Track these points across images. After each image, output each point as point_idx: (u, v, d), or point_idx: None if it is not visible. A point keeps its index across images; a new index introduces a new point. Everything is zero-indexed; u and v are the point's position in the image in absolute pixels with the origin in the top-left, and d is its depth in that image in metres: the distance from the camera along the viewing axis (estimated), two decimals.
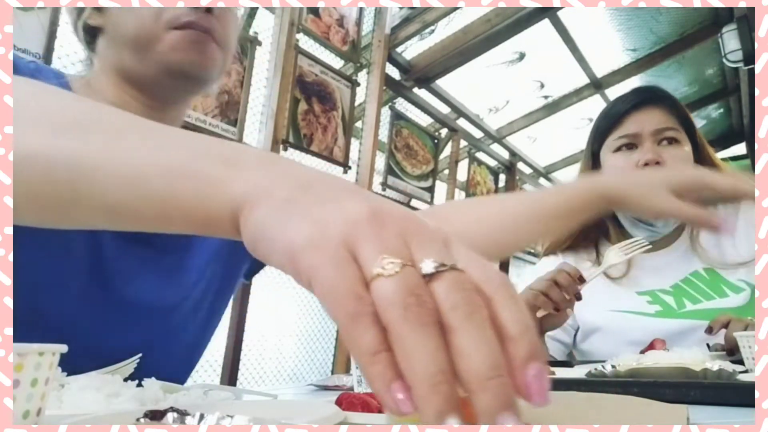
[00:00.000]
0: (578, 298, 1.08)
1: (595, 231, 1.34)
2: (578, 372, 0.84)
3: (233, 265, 0.92)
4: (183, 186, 0.34)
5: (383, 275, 0.28)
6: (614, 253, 1.06)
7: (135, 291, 0.79)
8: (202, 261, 0.87)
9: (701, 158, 1.24)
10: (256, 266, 0.97)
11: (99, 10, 0.77)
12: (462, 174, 3.94)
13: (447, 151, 3.84)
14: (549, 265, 1.37)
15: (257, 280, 2.61)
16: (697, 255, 1.22)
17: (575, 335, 1.32)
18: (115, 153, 0.36)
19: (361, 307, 0.27)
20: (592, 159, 1.31)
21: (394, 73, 3.27)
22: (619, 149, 1.23)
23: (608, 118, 1.27)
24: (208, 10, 0.75)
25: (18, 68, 0.74)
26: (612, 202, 0.84)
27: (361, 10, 2.92)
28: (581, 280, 1.08)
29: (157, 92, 0.78)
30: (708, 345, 1.05)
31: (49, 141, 0.36)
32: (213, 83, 0.82)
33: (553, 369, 0.84)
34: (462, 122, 3.94)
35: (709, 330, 1.02)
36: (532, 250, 4.89)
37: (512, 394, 0.26)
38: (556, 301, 1.06)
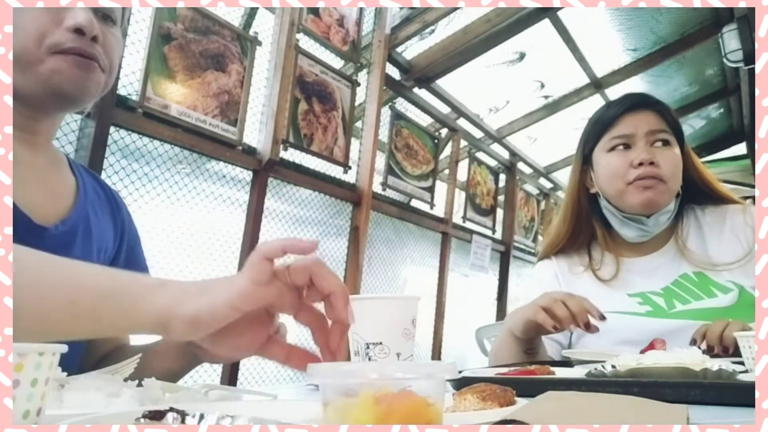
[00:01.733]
0: (587, 328, 1.07)
1: (585, 234, 1.35)
2: (578, 372, 0.84)
3: None
4: (110, 304, 0.47)
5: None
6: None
7: None
8: None
9: (686, 164, 1.26)
10: None
11: None
12: (462, 174, 3.94)
13: (447, 151, 3.84)
14: (544, 269, 1.39)
15: None
16: (686, 258, 1.24)
17: (571, 336, 1.33)
18: (48, 283, 0.48)
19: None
20: (583, 161, 1.32)
21: (394, 73, 3.27)
22: (613, 149, 1.25)
23: (603, 119, 1.28)
24: (93, 39, 0.78)
25: None
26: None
27: (361, 10, 2.92)
28: (602, 317, 1.07)
29: (36, 106, 0.81)
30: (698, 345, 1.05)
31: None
32: (91, 102, 0.85)
33: (553, 369, 0.85)
34: (462, 122, 3.94)
35: (693, 342, 1.03)
36: (532, 250, 4.90)
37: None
38: (560, 317, 1.06)
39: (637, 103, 1.26)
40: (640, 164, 1.19)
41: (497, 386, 0.53)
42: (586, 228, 1.34)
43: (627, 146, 1.23)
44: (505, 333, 1.21)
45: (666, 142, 1.23)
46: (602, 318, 1.07)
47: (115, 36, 0.84)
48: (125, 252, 0.97)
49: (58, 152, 0.94)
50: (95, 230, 0.89)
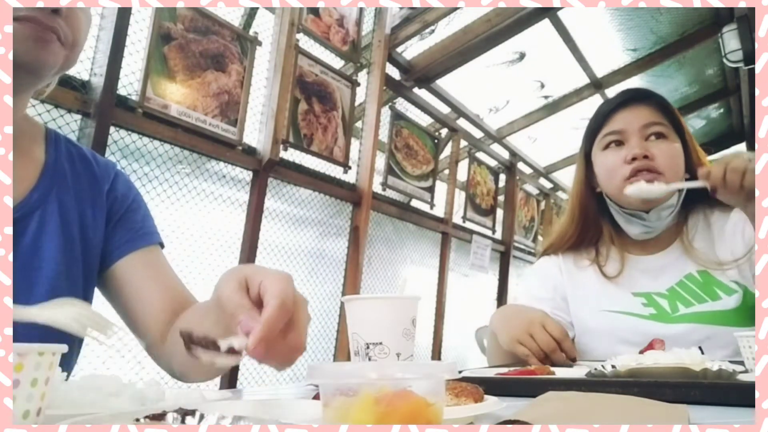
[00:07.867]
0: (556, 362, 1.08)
1: (594, 233, 1.34)
2: (578, 372, 0.84)
3: None
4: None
5: None
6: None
7: None
8: None
9: (689, 158, 1.24)
10: None
11: None
12: (462, 174, 3.94)
13: (447, 151, 3.84)
14: (548, 263, 1.38)
15: None
16: (692, 258, 1.23)
17: (573, 338, 1.33)
18: None
19: None
20: (586, 160, 1.31)
21: (394, 73, 3.27)
22: (607, 147, 1.24)
23: (596, 117, 1.27)
24: (55, 11, 0.75)
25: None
26: None
27: (361, 10, 2.92)
28: (573, 359, 1.08)
29: None
30: (700, 348, 1.05)
31: None
32: (51, 78, 0.81)
33: (553, 369, 0.85)
34: (462, 122, 3.94)
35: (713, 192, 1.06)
36: (532, 250, 4.90)
37: None
38: (534, 353, 1.04)
39: (630, 98, 1.23)
40: (634, 159, 1.17)
41: (467, 384, 0.53)
42: (594, 227, 1.33)
43: (620, 143, 1.22)
44: (497, 342, 1.19)
45: (661, 135, 1.20)
46: (573, 360, 1.06)
47: (84, 11, 0.81)
48: (115, 219, 0.93)
49: (31, 126, 0.90)
50: (66, 204, 0.86)
